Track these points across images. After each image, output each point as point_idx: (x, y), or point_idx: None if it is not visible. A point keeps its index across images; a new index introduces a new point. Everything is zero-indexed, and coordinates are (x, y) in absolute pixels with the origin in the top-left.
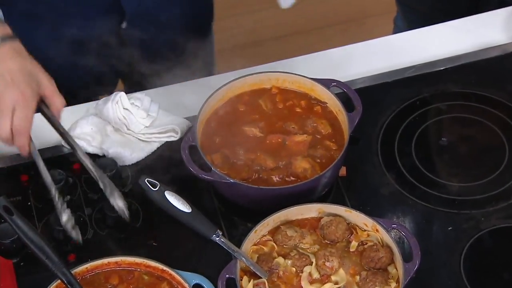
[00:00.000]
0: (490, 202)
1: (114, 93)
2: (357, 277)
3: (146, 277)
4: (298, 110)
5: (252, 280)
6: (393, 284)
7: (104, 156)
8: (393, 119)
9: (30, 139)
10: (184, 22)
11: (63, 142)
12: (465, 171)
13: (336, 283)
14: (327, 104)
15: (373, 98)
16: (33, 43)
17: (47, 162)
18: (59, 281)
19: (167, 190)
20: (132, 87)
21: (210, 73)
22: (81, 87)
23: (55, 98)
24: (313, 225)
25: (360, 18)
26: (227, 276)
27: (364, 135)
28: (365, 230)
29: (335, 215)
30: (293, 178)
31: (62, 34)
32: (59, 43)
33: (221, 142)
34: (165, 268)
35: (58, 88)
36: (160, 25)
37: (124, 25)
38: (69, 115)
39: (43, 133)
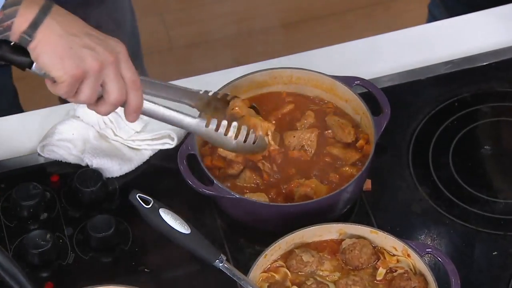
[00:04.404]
0: None
1: None
2: None
3: None
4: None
5: None
6: None
7: (87, 166)
8: (427, 123)
9: None
10: None
11: None
12: None
13: None
14: (350, 107)
15: (403, 99)
16: None
17: (19, 173)
18: None
19: (162, 207)
20: None
21: None
22: None
23: None
24: (333, 248)
25: (387, 1)
26: None
27: (393, 143)
28: (394, 255)
29: (359, 237)
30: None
31: None
32: None
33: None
34: None
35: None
36: None
37: None
38: (45, 118)
39: (15, 140)
